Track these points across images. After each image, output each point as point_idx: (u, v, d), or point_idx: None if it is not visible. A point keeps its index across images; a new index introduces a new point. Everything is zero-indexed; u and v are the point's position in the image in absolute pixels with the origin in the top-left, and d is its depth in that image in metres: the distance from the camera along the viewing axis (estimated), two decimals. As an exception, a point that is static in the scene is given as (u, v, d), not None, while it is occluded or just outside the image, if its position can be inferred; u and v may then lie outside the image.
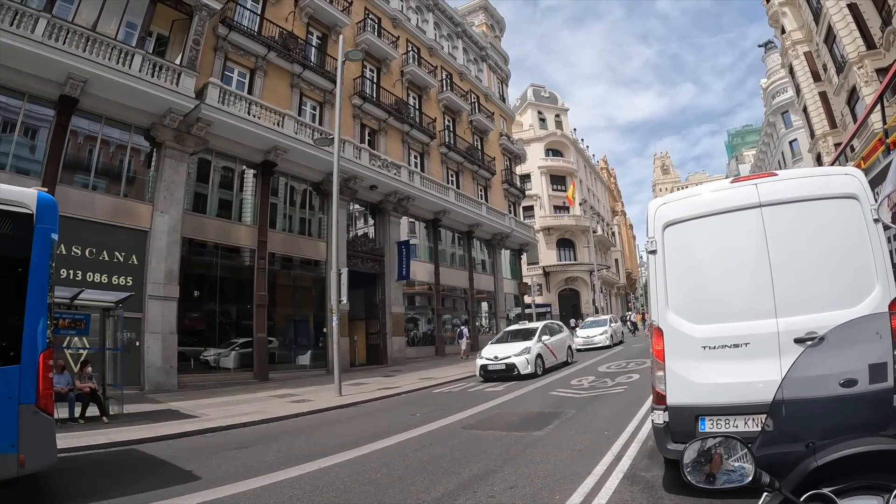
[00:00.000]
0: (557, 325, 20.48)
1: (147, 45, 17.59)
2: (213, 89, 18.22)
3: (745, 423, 4.44)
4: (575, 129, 65.23)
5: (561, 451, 6.99)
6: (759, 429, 4.26)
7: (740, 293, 4.72)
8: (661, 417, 4.87)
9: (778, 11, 36.05)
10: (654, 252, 5.13)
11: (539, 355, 16.63)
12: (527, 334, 17.64)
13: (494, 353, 16.75)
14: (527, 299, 39.93)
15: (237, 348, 19.50)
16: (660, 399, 4.90)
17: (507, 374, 15.89)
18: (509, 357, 16.17)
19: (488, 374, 16.37)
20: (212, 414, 11.91)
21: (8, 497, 6.04)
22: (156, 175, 17.58)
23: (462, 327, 29.31)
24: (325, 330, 21.89)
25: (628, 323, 41.77)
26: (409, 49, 30.84)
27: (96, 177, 16.57)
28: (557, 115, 62.63)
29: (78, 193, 15.85)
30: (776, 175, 4.85)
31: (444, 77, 33.63)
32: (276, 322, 21.03)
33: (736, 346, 4.56)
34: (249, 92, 20.79)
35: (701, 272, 4.97)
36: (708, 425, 4.61)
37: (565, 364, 18.68)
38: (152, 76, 16.62)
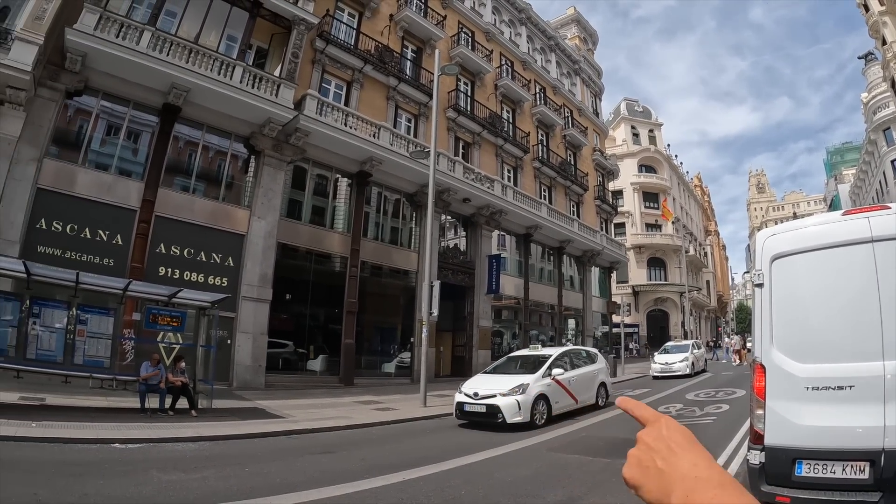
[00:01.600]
0: (587, 352, 15.56)
1: (247, 57, 17.90)
2: (312, 101, 18.35)
3: (843, 470, 4.15)
4: (669, 145, 62.21)
5: (647, 483, 6.44)
6: (856, 476, 4.14)
7: (847, 332, 4.36)
8: (757, 458, 4.57)
9: (878, 21, 32.59)
10: (760, 285, 4.84)
11: (542, 397, 11.71)
12: (536, 363, 12.77)
13: (476, 387, 11.99)
14: (615, 318, 37.86)
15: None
16: (757, 438, 4.60)
17: (489, 418, 11.23)
18: (494, 396, 11.33)
19: (465, 416, 11.78)
20: (297, 416, 11.81)
21: None
22: (254, 181, 17.80)
23: (567, 343, 28.27)
24: (411, 339, 21.52)
25: (725, 350, 38.30)
26: (503, 63, 30.08)
27: (196, 181, 17.03)
28: (651, 130, 59.94)
29: (178, 196, 16.32)
30: (889, 208, 4.48)
31: (537, 91, 32.59)
32: (363, 328, 20.82)
33: (840, 388, 4.25)
34: (346, 104, 20.80)
35: (807, 308, 4.64)
36: (805, 469, 4.29)
37: (594, 408, 13.73)
38: (252, 87, 16.88)
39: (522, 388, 11.38)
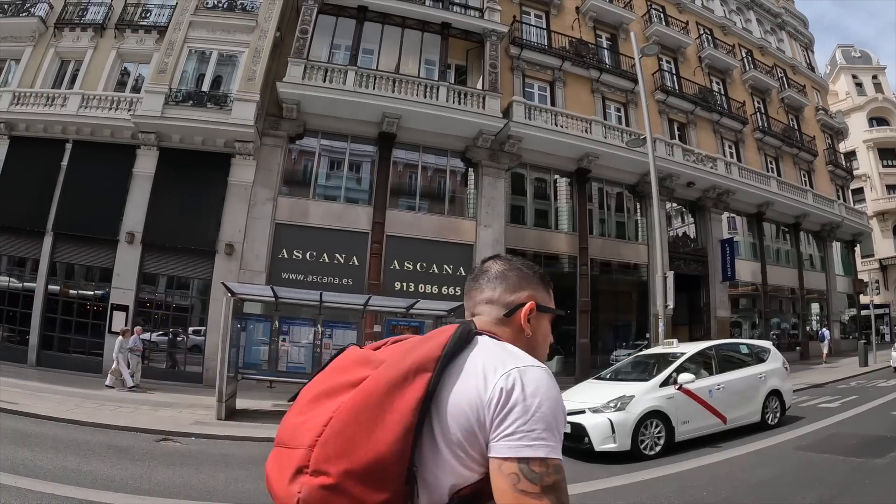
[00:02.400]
0: (749, 347, 11.15)
1: (448, 76, 18.67)
2: (518, 106, 18.50)
3: None
4: (898, 90, 52.44)
5: (906, 485, 6.05)
6: None
7: None
8: None
9: None
10: None
11: (655, 414, 8.36)
12: (661, 365, 9.50)
13: (570, 397, 8.81)
14: (863, 299, 32.60)
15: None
16: None
17: (575, 442, 7.98)
18: (581, 412, 8.24)
19: None
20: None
21: None
22: (475, 192, 18.39)
23: (823, 329, 25.48)
24: (647, 335, 20.52)
25: None
26: (701, 32, 27.54)
27: (420, 199, 18.06)
28: (875, 77, 50.88)
29: (405, 215, 17.44)
30: None
31: (743, 55, 29.28)
32: (597, 327, 20.30)
33: None
34: (552, 103, 20.63)
35: None
36: None
37: (761, 428, 9.57)
38: (458, 104, 17.53)
39: (621, 403, 8.23)
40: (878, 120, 47.56)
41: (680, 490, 6.31)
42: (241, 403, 11.49)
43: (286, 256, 16.01)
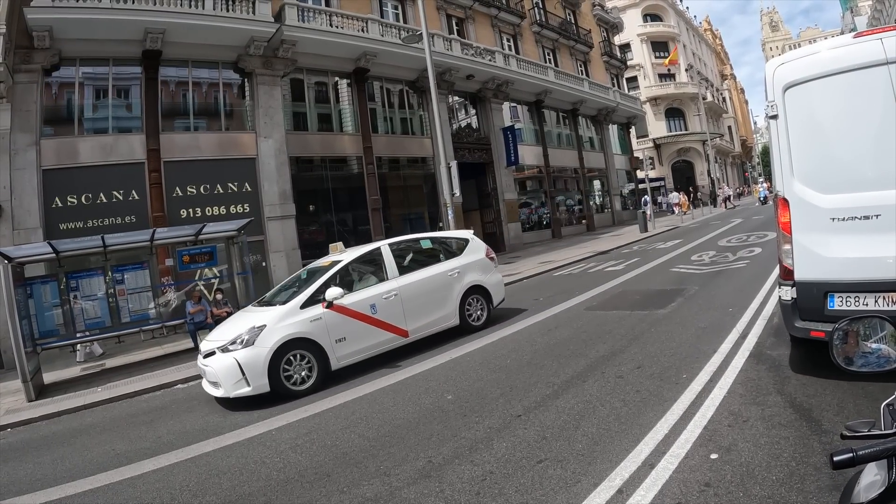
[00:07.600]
0: (439, 241, 8.95)
1: None
2: (291, 9, 16.82)
3: (876, 302, 3.86)
4: (670, -11, 56.00)
5: (685, 330, 6.42)
6: (891, 307, 3.76)
7: (869, 160, 3.95)
8: (788, 293, 4.30)
9: None
10: (775, 117, 4.33)
11: (300, 343, 6.46)
12: (310, 281, 7.28)
13: (215, 336, 6.86)
14: (639, 174, 35.91)
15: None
16: (787, 274, 4.32)
17: (215, 385, 6.42)
18: (213, 353, 6.45)
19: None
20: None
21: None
22: (252, 104, 16.76)
23: (645, 196, 28.29)
24: (440, 224, 20.70)
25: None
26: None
27: (196, 118, 16.16)
28: (650, -25, 53.84)
29: (181, 137, 15.58)
30: None
31: (520, -49, 28.89)
32: (391, 223, 19.91)
33: (866, 217, 3.91)
34: (326, 4, 18.99)
35: (826, 137, 4.18)
36: (837, 302, 4.04)
37: (461, 332, 8.05)
38: (227, 11, 15.56)
39: (248, 338, 6.30)
40: (651, 16, 50.76)
41: (485, 361, 6.40)
42: (49, 377, 9.95)
43: (60, 205, 13.60)
